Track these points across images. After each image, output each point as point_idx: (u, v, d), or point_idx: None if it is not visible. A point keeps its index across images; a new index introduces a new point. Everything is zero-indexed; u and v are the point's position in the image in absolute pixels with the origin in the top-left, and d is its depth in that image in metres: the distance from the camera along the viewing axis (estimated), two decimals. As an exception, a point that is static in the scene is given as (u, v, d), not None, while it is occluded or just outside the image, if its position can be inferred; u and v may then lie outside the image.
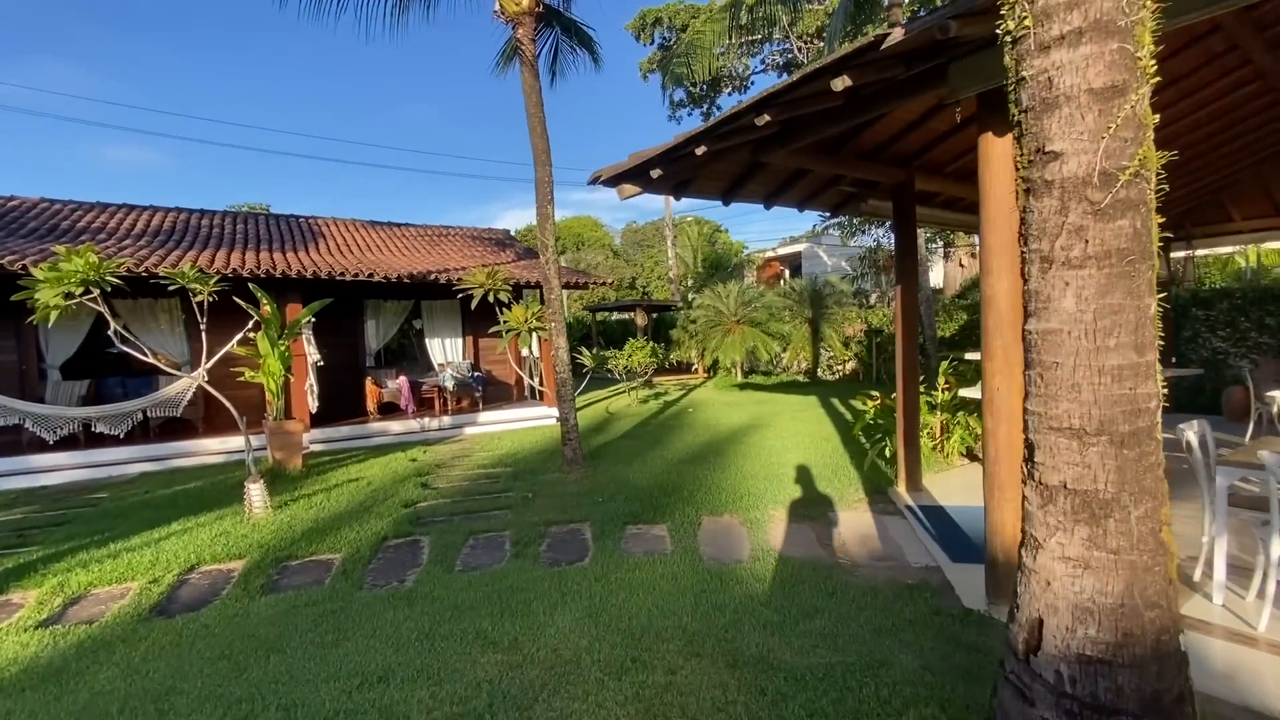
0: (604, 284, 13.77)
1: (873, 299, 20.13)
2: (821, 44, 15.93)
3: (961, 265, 20.47)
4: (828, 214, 9.77)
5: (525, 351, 11.76)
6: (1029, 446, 1.96)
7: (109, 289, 5.72)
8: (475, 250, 14.23)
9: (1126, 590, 1.77)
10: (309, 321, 8.68)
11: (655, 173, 4.64)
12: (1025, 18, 1.89)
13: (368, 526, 5.46)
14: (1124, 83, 1.74)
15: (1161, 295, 1.85)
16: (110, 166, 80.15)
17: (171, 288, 6.27)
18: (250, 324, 7.04)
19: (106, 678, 3.17)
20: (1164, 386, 1.89)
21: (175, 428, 9.38)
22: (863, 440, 7.59)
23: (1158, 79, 1.78)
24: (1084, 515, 1.80)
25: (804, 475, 6.58)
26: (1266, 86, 5.05)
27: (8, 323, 8.83)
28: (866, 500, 5.74)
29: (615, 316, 26.38)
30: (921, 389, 6.36)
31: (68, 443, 8.44)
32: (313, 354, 9.45)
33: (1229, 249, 11.89)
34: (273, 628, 3.65)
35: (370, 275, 9.84)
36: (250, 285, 7.66)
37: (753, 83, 19.93)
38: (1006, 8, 1.96)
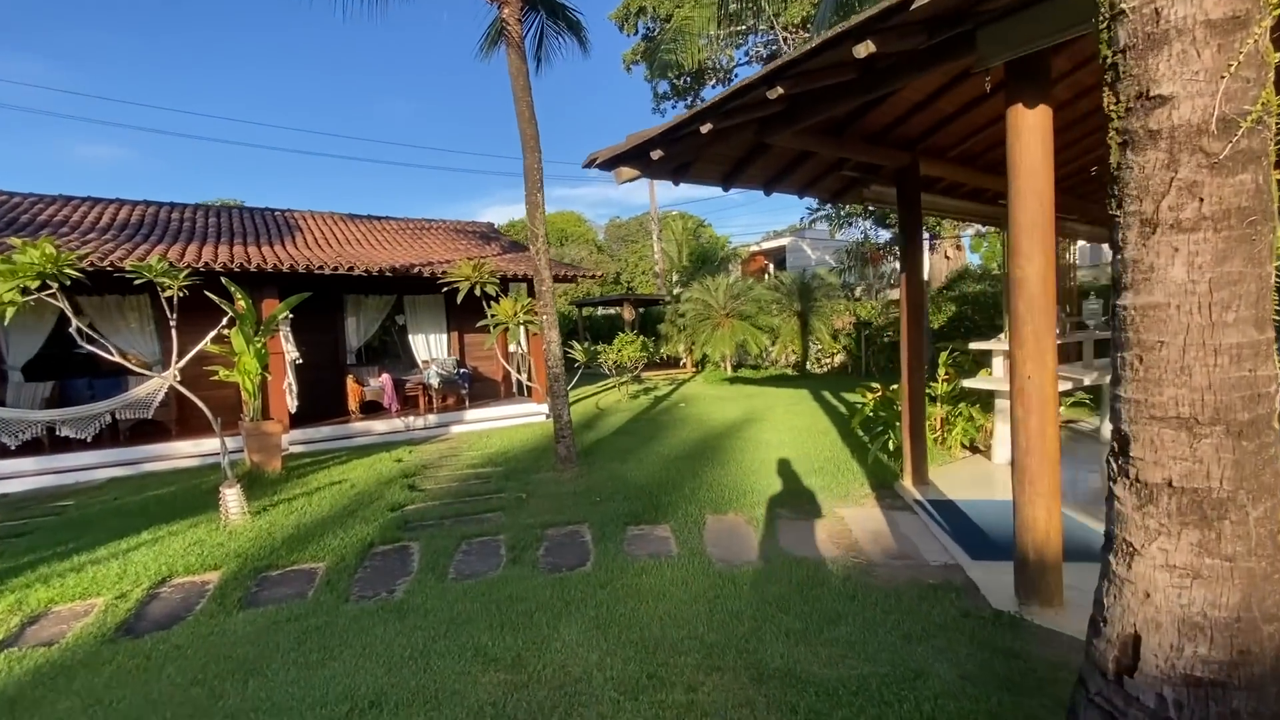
0: (593, 277, 13.50)
1: (858, 291, 20.05)
2: (807, 34, 15.74)
3: (947, 257, 20.37)
4: (826, 201, 9.56)
5: (513, 346, 11.43)
6: (1122, 439, 1.74)
7: (68, 283, 5.37)
8: (459, 243, 13.82)
9: (1243, 602, 1.56)
10: (286, 318, 8.29)
11: (656, 154, 4.38)
12: None
13: (353, 532, 5.15)
14: (1246, 13, 1.51)
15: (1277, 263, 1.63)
16: (77, 162, 78.05)
17: (138, 282, 5.91)
18: (224, 320, 6.67)
19: (65, 709, 2.86)
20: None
21: (146, 430, 8.93)
22: (861, 434, 7.42)
23: (1279, 10, 1.55)
24: (1193, 517, 1.59)
25: (806, 470, 6.38)
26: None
27: (-37, 322, 8.33)
28: (873, 495, 5.56)
29: (601, 311, 26.07)
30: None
31: (31, 447, 7.99)
32: (291, 351, 9.04)
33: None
34: (252, 647, 3.35)
35: (350, 269, 9.45)
36: (223, 280, 7.28)
37: (736, 74, 19.71)
38: None
